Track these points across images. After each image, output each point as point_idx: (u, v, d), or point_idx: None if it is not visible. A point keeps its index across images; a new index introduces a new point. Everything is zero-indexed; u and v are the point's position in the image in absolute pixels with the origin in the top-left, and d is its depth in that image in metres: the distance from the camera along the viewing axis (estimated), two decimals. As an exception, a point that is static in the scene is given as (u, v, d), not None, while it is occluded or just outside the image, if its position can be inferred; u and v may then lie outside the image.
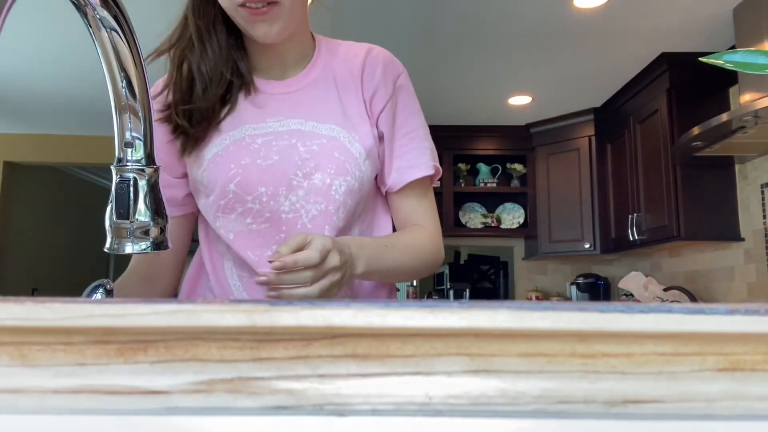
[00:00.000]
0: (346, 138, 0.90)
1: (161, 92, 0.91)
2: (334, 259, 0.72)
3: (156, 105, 0.90)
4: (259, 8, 0.82)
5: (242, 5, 0.82)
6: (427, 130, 0.99)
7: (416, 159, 0.95)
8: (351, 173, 0.89)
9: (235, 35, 0.92)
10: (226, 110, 0.90)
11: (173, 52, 0.91)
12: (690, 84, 3.06)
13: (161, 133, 0.90)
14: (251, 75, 0.93)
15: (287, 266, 0.69)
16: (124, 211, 0.51)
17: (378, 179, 0.98)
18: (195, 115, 0.88)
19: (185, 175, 0.95)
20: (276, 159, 0.88)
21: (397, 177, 0.95)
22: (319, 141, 0.89)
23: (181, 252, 0.99)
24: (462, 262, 4.58)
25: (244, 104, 0.91)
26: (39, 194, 5.39)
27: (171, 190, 0.94)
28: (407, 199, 0.97)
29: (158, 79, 0.94)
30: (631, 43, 3.01)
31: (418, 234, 0.95)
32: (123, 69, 0.49)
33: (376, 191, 1.00)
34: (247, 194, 0.87)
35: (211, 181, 0.88)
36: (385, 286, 1.00)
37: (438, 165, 0.98)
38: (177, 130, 0.89)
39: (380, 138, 0.95)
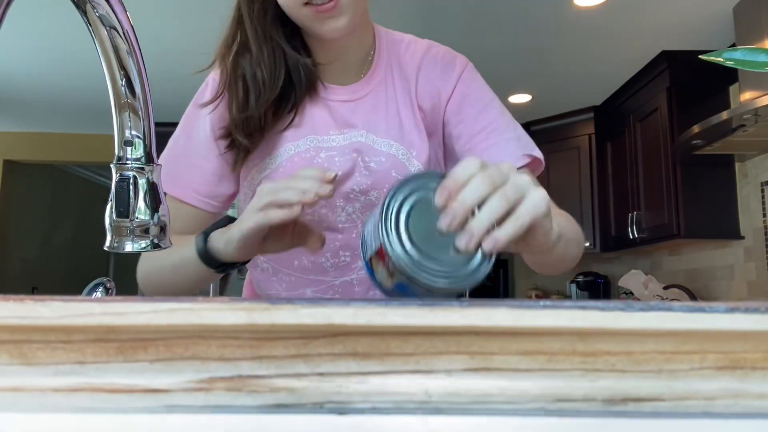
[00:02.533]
0: (404, 155, 0.88)
1: (213, 103, 0.87)
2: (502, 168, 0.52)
3: (217, 122, 0.87)
4: (325, 3, 0.77)
5: (306, 3, 0.78)
6: (509, 119, 0.89)
7: (498, 155, 0.84)
8: None
9: (293, 34, 0.87)
10: (291, 118, 0.87)
11: (229, 60, 0.86)
12: (690, 82, 3.06)
13: (215, 147, 0.88)
14: (316, 79, 0.89)
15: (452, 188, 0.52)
16: (124, 210, 0.51)
17: None
18: (248, 125, 0.84)
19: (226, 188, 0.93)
20: (339, 174, 0.85)
21: None
22: (378, 159, 0.87)
23: None
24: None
25: (308, 112, 0.88)
26: (39, 193, 5.39)
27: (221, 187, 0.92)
28: None
29: (207, 81, 0.90)
30: (631, 42, 3.01)
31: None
32: (122, 67, 0.49)
33: None
34: (307, 208, 0.85)
35: None
36: None
37: (535, 153, 0.86)
38: (231, 144, 0.86)
39: (454, 142, 0.90)
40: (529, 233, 0.53)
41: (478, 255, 0.49)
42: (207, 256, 0.75)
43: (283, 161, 0.87)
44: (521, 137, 0.88)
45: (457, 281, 0.48)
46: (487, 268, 0.49)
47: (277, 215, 0.67)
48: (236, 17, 0.86)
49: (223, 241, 0.73)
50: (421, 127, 0.90)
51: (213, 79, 0.90)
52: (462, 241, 0.48)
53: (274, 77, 0.84)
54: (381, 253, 0.50)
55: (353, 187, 0.87)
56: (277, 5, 0.82)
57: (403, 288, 0.50)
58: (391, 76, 0.91)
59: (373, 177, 0.86)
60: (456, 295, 0.52)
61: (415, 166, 0.88)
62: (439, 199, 0.50)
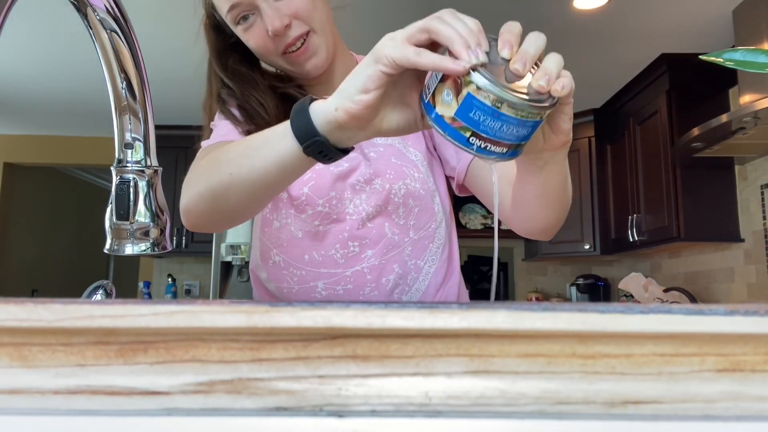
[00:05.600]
0: (400, 144, 0.94)
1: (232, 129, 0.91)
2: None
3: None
4: (299, 48, 0.86)
5: (283, 54, 0.86)
6: None
7: None
8: (410, 176, 0.92)
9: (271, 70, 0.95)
10: None
11: (215, 107, 0.93)
12: (690, 85, 3.06)
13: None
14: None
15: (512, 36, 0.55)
16: (124, 212, 0.51)
17: (449, 177, 0.98)
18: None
19: None
20: (346, 166, 0.91)
21: (460, 159, 0.92)
22: (376, 149, 0.93)
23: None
24: (462, 263, 4.58)
25: None
26: (39, 195, 5.39)
27: None
28: (488, 171, 0.87)
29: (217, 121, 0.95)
30: (630, 44, 3.01)
31: None
32: (123, 70, 0.49)
33: (447, 196, 1.00)
34: (318, 198, 0.91)
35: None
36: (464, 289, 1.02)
37: None
38: None
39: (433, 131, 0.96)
40: (560, 113, 0.57)
41: (544, 96, 0.52)
42: (303, 122, 0.58)
43: None
44: None
45: (528, 102, 0.50)
46: (554, 104, 0.52)
47: (431, 61, 0.52)
48: (210, 76, 0.95)
49: (337, 95, 0.57)
50: None
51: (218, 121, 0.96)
52: (542, 80, 0.51)
53: (269, 109, 0.90)
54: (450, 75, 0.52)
55: (358, 178, 0.92)
56: (246, 55, 0.91)
57: (468, 107, 0.51)
58: None
59: (374, 166, 0.92)
60: (506, 152, 0.53)
61: (413, 153, 0.94)
62: (504, 50, 0.53)
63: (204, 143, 0.92)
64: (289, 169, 0.64)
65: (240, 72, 0.92)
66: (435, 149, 0.98)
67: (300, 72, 0.90)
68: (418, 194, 0.93)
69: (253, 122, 0.89)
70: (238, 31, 0.88)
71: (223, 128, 0.92)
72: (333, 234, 0.92)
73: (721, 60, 0.61)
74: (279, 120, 0.88)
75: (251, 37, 0.87)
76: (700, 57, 0.64)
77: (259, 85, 0.92)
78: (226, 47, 0.93)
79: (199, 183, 0.74)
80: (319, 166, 0.90)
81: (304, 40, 0.86)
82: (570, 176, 0.74)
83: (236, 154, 0.69)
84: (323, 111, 0.57)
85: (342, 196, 0.91)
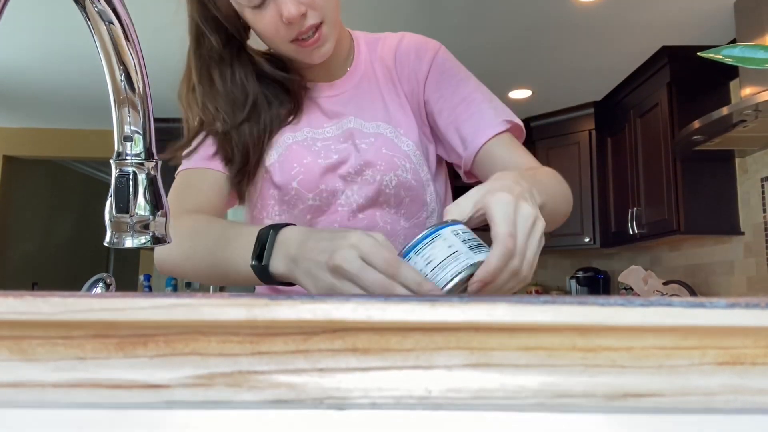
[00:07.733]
0: (392, 133, 0.93)
1: (203, 141, 0.92)
2: (525, 209, 0.59)
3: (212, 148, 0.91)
4: (310, 37, 0.84)
5: (293, 41, 0.84)
6: (486, 91, 0.95)
7: (479, 122, 0.90)
8: (401, 167, 0.91)
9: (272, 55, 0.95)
10: (289, 119, 0.94)
11: (188, 100, 0.94)
12: (690, 77, 3.05)
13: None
14: (304, 85, 0.95)
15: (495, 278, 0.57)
16: (124, 206, 0.51)
17: (455, 164, 0.97)
18: (239, 151, 0.90)
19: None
20: (335, 158, 0.91)
21: (467, 148, 0.91)
22: (367, 140, 0.92)
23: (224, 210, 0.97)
24: (462, 256, 4.58)
25: (303, 110, 0.95)
26: (38, 188, 5.39)
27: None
28: (494, 161, 0.89)
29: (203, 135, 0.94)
30: (631, 37, 3.00)
31: (538, 169, 0.87)
32: (122, 62, 0.49)
33: (444, 181, 1.01)
34: (308, 192, 0.90)
35: (275, 179, 0.91)
36: None
37: (515, 120, 0.92)
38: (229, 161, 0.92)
39: (437, 118, 0.94)
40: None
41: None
42: (266, 275, 0.67)
43: (283, 151, 0.92)
44: (498, 107, 0.94)
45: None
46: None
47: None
48: (189, 66, 0.95)
49: (291, 276, 0.64)
50: (407, 108, 0.96)
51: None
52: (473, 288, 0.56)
53: (235, 102, 0.90)
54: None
55: (349, 170, 0.91)
56: (233, 39, 0.91)
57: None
58: (372, 68, 0.98)
59: (365, 157, 0.91)
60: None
61: (405, 143, 0.93)
62: (473, 288, 0.57)
63: (185, 163, 0.91)
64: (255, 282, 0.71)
65: (233, 61, 0.91)
66: (440, 135, 0.96)
67: (305, 60, 0.88)
68: (410, 185, 0.92)
69: (233, 168, 0.90)
70: (247, 10, 0.83)
71: (205, 149, 0.91)
72: (323, 226, 0.91)
73: (721, 56, 0.61)
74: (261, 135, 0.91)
75: (261, 21, 0.83)
76: (699, 54, 0.64)
77: (247, 80, 0.91)
78: (210, 20, 0.91)
79: (176, 252, 0.79)
80: (306, 159, 0.91)
81: (316, 29, 0.84)
82: (560, 196, 0.80)
83: (211, 266, 0.75)
84: (285, 275, 0.64)
85: (333, 188, 0.91)
